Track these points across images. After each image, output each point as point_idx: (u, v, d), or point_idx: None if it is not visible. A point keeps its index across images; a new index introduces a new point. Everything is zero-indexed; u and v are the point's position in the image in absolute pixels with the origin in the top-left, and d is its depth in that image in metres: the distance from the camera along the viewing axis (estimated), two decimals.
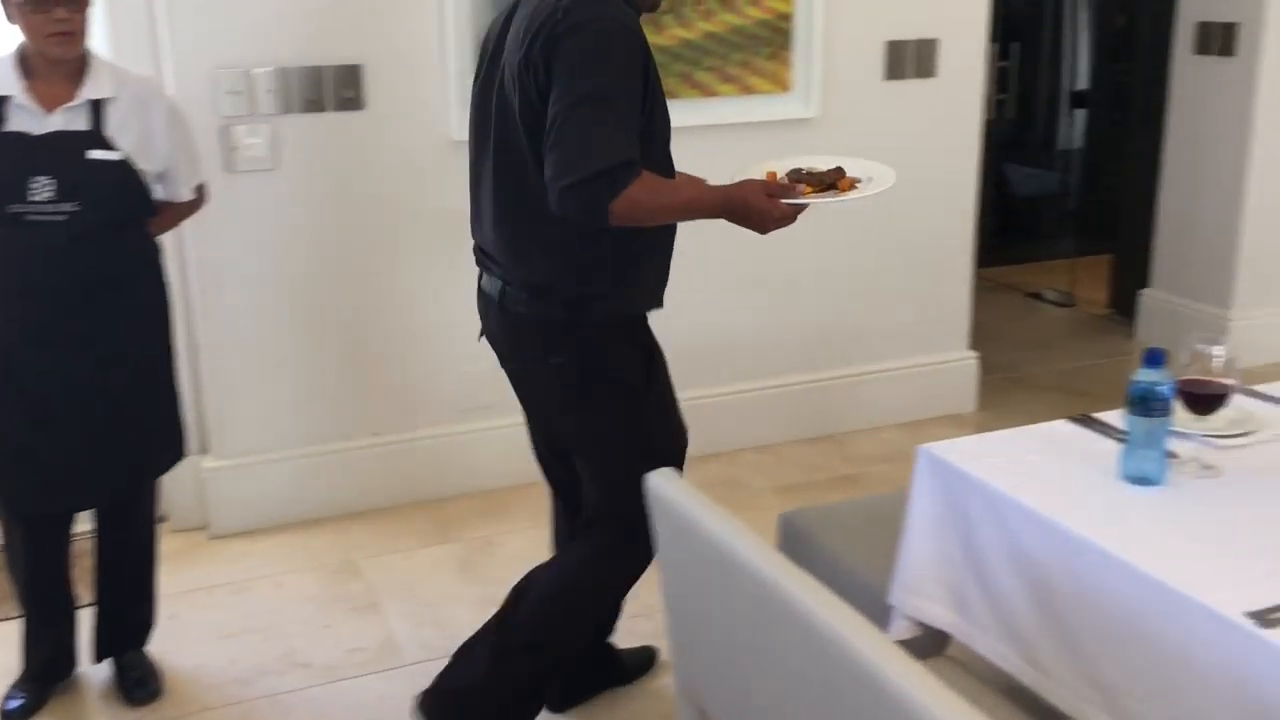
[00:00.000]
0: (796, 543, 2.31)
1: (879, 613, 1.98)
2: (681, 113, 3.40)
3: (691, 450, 3.26)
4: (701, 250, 3.56)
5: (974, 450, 1.89)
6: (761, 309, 3.74)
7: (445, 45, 3.17)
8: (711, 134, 3.51)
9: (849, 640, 1.15)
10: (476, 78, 2.15)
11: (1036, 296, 5.53)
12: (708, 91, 3.46)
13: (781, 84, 3.54)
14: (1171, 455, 1.79)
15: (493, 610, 2.18)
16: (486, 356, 2.14)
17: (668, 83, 3.35)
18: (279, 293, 3.21)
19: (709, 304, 3.65)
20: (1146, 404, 1.71)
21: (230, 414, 3.25)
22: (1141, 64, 4.79)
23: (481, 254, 2.18)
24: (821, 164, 2.11)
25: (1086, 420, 1.97)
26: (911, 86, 3.71)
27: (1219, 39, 4.20)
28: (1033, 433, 1.97)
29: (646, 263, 2.10)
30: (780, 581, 1.27)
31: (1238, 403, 1.98)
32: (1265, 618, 1.37)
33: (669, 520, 1.52)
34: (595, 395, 2.09)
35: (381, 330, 3.34)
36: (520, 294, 2.06)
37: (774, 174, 2.10)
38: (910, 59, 3.68)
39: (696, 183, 2.02)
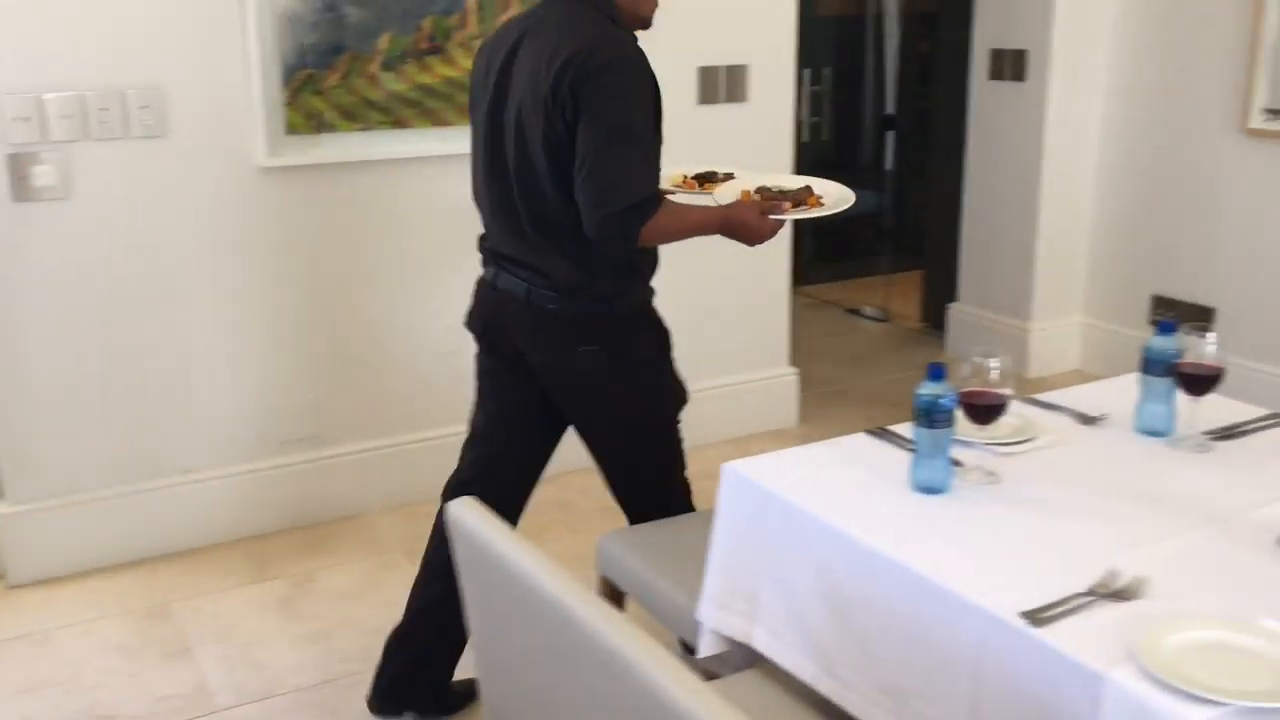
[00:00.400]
0: (615, 565, 2.33)
1: (693, 630, 2.02)
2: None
3: None
4: None
5: (774, 466, 1.94)
6: None
7: (250, 71, 3.09)
8: None
9: (645, 668, 1.16)
10: (473, 103, 2.34)
11: (855, 312, 5.73)
12: None
13: None
14: (957, 464, 1.88)
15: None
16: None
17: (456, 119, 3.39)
18: (73, 327, 3.07)
19: None
20: (930, 416, 1.79)
21: (25, 456, 3.09)
22: (943, 89, 5.03)
23: (498, 256, 2.33)
24: (787, 183, 2.37)
25: (882, 433, 2.05)
26: (724, 111, 3.80)
27: (1011, 65, 4.45)
28: (831, 447, 2.03)
29: (650, 254, 2.32)
30: (578, 610, 1.28)
31: (1019, 410, 2.10)
32: (1036, 617, 1.44)
33: (469, 550, 1.51)
34: (626, 380, 2.30)
35: (185, 363, 3.23)
36: (548, 293, 2.24)
37: (747, 192, 2.34)
38: (722, 84, 3.77)
39: (698, 208, 2.23)
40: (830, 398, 4.48)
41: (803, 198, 2.30)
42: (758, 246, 2.30)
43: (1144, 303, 4.38)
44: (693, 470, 2.49)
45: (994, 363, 1.83)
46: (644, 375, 2.34)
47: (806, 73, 5.56)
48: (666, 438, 2.47)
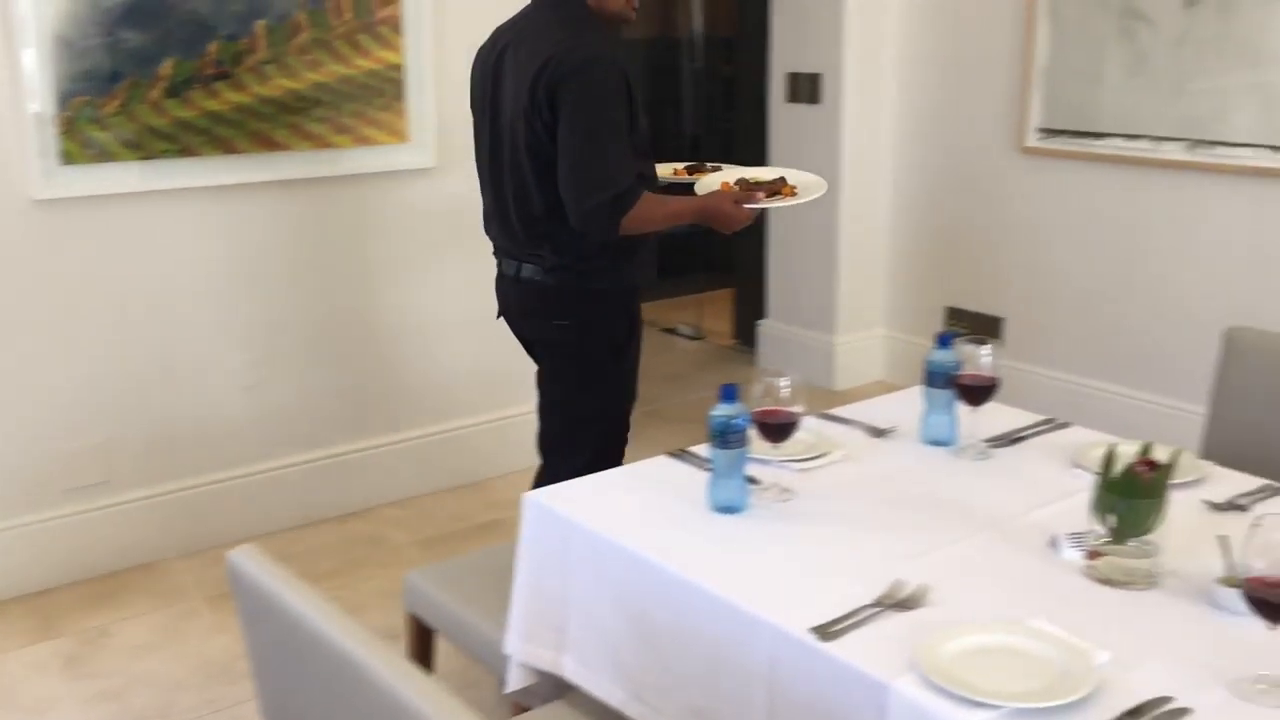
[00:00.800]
0: (423, 602, 2.28)
1: (501, 664, 1.99)
2: (296, 165, 3.35)
3: (329, 510, 3.10)
4: (330, 303, 3.50)
5: (575, 494, 1.94)
6: (391, 359, 3.69)
7: (19, 98, 2.92)
8: (329, 186, 3.44)
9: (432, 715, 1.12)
10: (474, 103, 2.60)
11: (672, 331, 5.80)
12: (322, 143, 3.38)
13: (399, 134, 3.52)
14: (755, 482, 1.91)
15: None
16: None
17: (279, 134, 3.29)
18: None
19: (334, 360, 3.56)
20: (725, 436, 1.81)
21: None
22: (744, 111, 5.15)
23: (498, 248, 2.62)
24: (765, 175, 2.62)
25: (682, 454, 2.07)
26: None
27: (807, 88, 4.59)
28: (633, 472, 2.04)
29: (639, 245, 2.48)
30: (365, 659, 1.23)
31: (813, 426, 2.15)
32: (825, 631, 1.47)
33: (251, 600, 1.45)
34: (590, 357, 2.53)
35: None
36: (536, 269, 2.50)
37: (727, 184, 2.56)
38: None
39: (677, 198, 2.48)
40: (647, 417, 4.51)
41: (778, 188, 2.51)
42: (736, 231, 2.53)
43: (939, 314, 4.58)
44: (509, 496, 2.47)
45: (784, 382, 1.86)
46: (606, 356, 2.53)
47: None
48: (612, 423, 2.63)
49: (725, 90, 5.79)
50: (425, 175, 3.59)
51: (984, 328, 4.38)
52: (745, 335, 5.30)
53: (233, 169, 3.25)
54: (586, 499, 1.92)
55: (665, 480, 1.98)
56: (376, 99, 3.45)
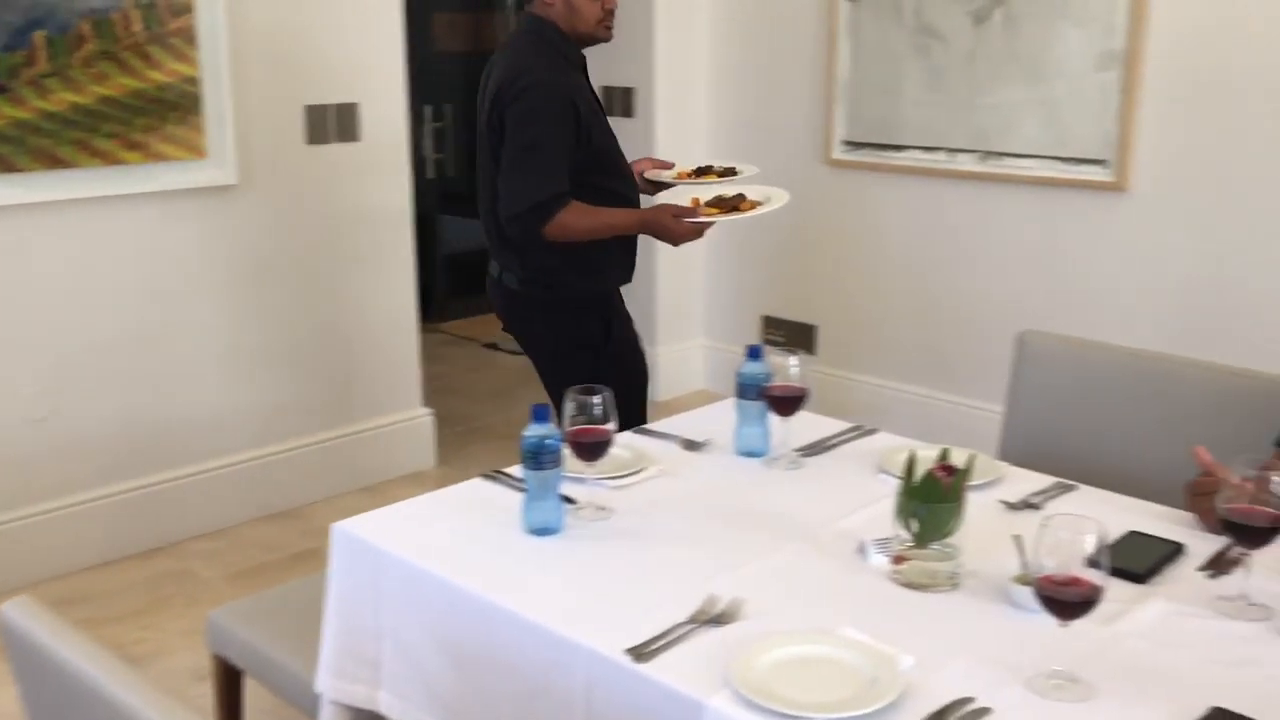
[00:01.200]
0: (228, 641, 2.17)
1: (313, 703, 1.91)
2: (82, 183, 3.16)
3: (134, 545, 2.93)
4: (126, 327, 3.31)
5: (385, 522, 1.88)
6: (198, 385, 3.52)
7: None
8: (120, 205, 3.27)
9: None
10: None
11: (493, 346, 5.73)
12: (111, 160, 3.21)
13: (196, 150, 3.36)
14: (570, 501, 1.89)
15: None
16: None
17: (63, 151, 3.10)
18: None
19: (134, 386, 3.38)
20: (538, 457, 1.79)
21: None
22: None
23: (489, 248, 2.80)
24: (751, 192, 2.75)
25: (496, 476, 2.03)
26: (336, 150, 3.69)
27: (621, 102, 4.62)
28: (445, 496, 1.99)
29: (608, 253, 2.68)
30: (145, 714, 1.15)
31: (628, 442, 2.15)
32: (640, 652, 1.46)
33: (24, 656, 1.34)
34: (566, 357, 2.68)
35: None
36: (513, 277, 2.73)
37: (696, 199, 2.74)
38: (331, 123, 3.66)
39: (617, 210, 2.63)
40: (470, 436, 4.45)
41: (735, 203, 2.65)
42: (683, 246, 2.72)
43: (756, 323, 4.67)
44: (327, 523, 2.37)
45: (597, 400, 1.85)
46: (585, 357, 2.66)
47: (427, 109, 5.52)
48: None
49: None
50: (226, 193, 3.45)
51: (798, 335, 4.49)
52: None
53: (13, 188, 3.05)
54: (397, 526, 1.86)
55: (479, 503, 1.94)
56: (171, 113, 3.29)
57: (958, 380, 4.08)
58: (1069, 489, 1.99)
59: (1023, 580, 1.54)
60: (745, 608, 1.57)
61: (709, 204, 2.73)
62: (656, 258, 4.66)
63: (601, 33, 2.70)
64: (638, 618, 1.54)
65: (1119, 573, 1.62)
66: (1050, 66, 3.69)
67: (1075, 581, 1.36)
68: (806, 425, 2.21)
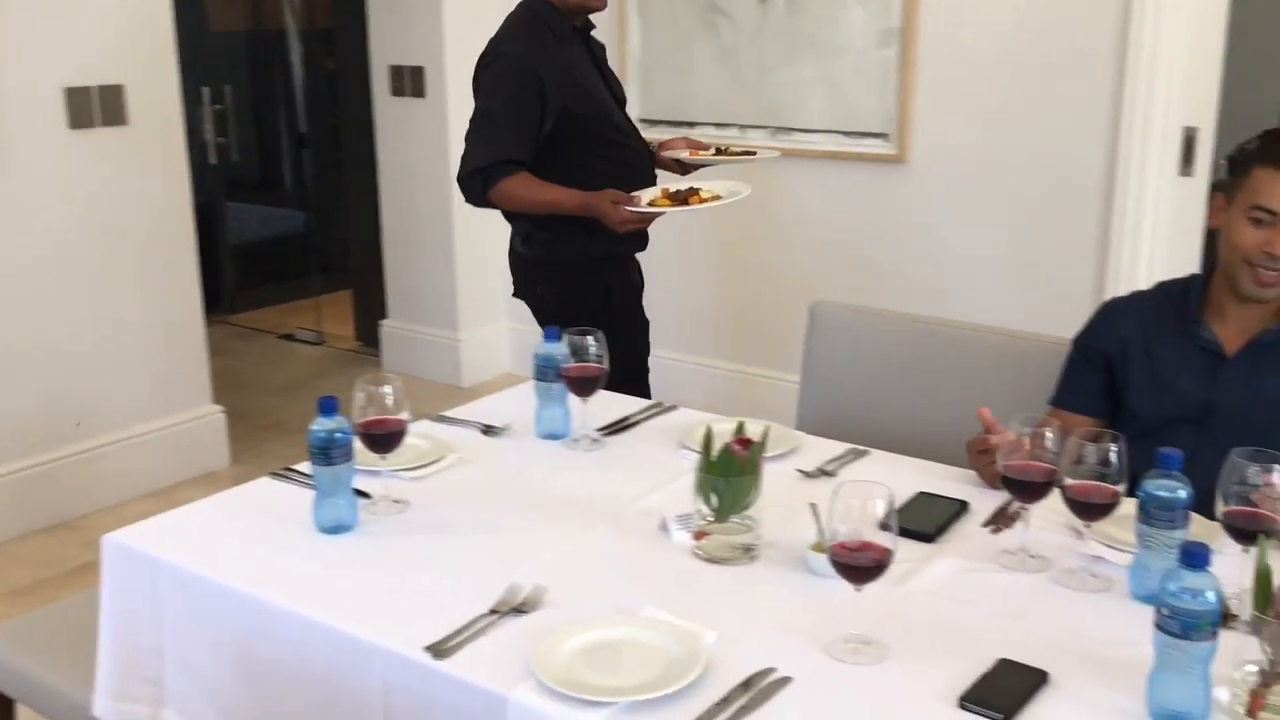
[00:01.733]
0: None
1: None
2: None
3: None
4: None
5: (162, 530, 1.76)
6: None
7: None
8: None
9: None
10: None
11: (290, 338, 5.52)
12: None
13: None
14: (365, 496, 1.81)
15: None
16: None
17: None
18: None
19: None
20: (327, 452, 1.70)
21: None
22: (351, 106, 4.97)
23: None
24: (722, 190, 2.73)
25: (286, 474, 1.93)
26: (102, 135, 3.45)
27: (411, 82, 4.49)
28: (230, 498, 1.88)
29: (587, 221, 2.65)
30: None
31: (425, 431, 2.08)
32: (440, 648, 1.41)
33: None
34: (565, 320, 2.52)
35: None
36: (519, 240, 2.82)
37: (667, 189, 2.73)
38: (95, 106, 3.42)
39: (565, 190, 2.64)
40: (266, 431, 4.27)
41: (685, 196, 2.66)
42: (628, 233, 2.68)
43: None
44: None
45: (388, 389, 1.78)
46: (584, 322, 2.62)
47: (206, 91, 5.25)
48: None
49: (330, 85, 5.57)
50: None
51: None
52: (368, 337, 5.14)
53: None
54: (177, 534, 1.75)
55: (268, 503, 1.84)
56: None
57: (758, 352, 4.15)
58: (862, 454, 2.04)
59: (819, 548, 1.57)
60: (548, 595, 1.53)
61: (662, 196, 2.71)
62: (455, 239, 4.57)
63: (592, 2, 2.74)
64: (437, 613, 1.49)
65: (909, 534, 1.67)
66: (834, 43, 3.78)
67: (867, 546, 1.38)
68: (607, 405, 2.19)
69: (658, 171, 2.94)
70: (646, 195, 2.69)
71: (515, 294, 2.95)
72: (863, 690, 1.35)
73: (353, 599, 1.55)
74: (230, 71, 5.64)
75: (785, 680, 1.35)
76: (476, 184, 2.66)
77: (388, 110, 4.62)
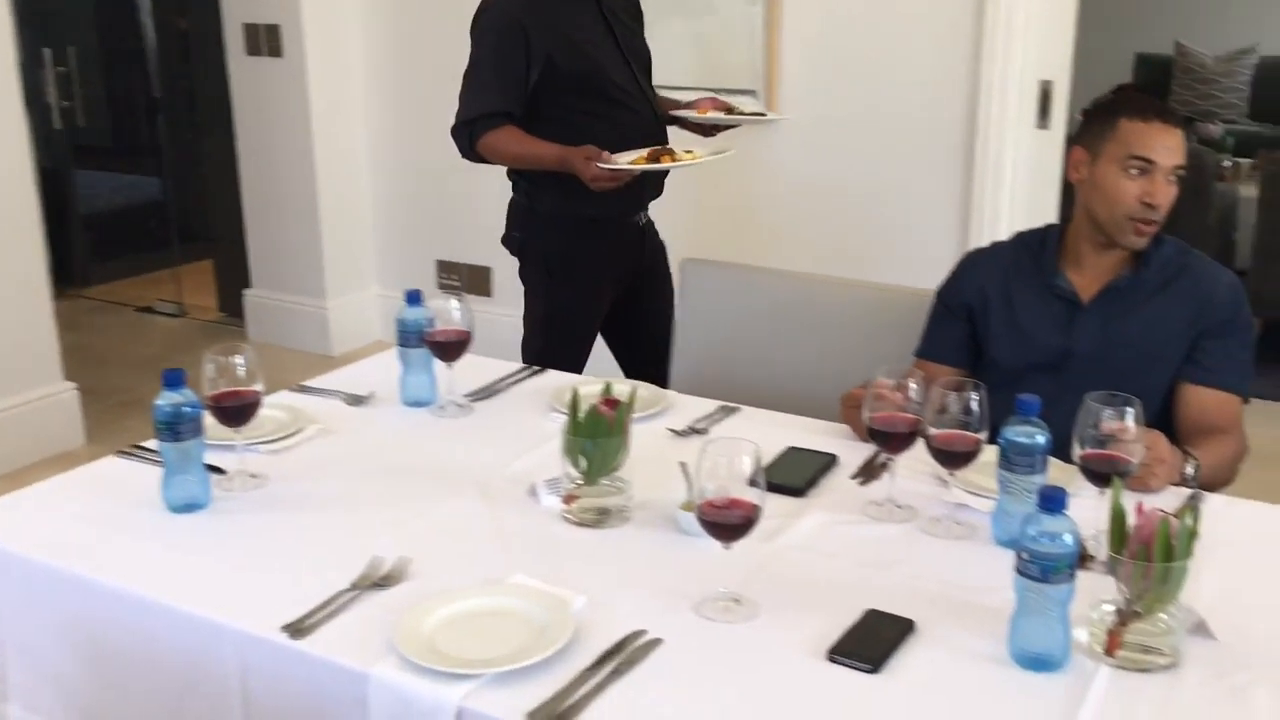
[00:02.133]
0: None
1: None
2: None
3: None
4: None
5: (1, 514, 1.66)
6: None
7: None
8: None
9: None
10: None
11: (149, 310, 5.30)
12: None
13: None
14: (219, 472, 1.74)
15: None
16: None
17: None
18: None
19: None
20: (174, 428, 1.62)
21: None
22: (205, 67, 4.76)
23: None
24: (702, 151, 2.67)
25: (133, 451, 1.84)
26: None
27: (266, 40, 4.32)
28: (73, 479, 1.78)
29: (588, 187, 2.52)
30: None
31: (285, 401, 2.01)
32: (298, 627, 1.36)
33: None
34: (531, 267, 2.77)
35: None
36: (510, 186, 2.79)
37: (656, 149, 2.62)
38: None
39: (548, 144, 2.58)
40: (124, 408, 4.09)
41: (657, 156, 2.57)
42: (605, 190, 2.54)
43: (431, 269, 4.55)
44: None
45: (239, 359, 1.70)
46: (541, 278, 2.72)
47: (47, 53, 4.97)
48: (548, 355, 2.56)
49: (183, 45, 5.32)
50: None
51: (474, 278, 4.41)
52: (231, 307, 4.96)
53: None
54: (14, 517, 1.65)
55: (114, 484, 1.75)
56: None
57: None
58: (733, 411, 2.03)
59: (688, 507, 1.55)
60: (411, 567, 1.49)
61: (642, 155, 2.58)
62: (319, 203, 4.43)
63: None
64: (295, 591, 1.43)
65: (779, 489, 1.67)
66: (702, 1, 3.75)
67: (734, 504, 1.37)
68: (476, 369, 2.14)
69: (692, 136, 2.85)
70: (630, 155, 2.58)
71: (502, 240, 2.87)
72: (733, 648, 1.34)
73: (205, 580, 1.49)
74: (73, 31, 5.35)
75: (656, 642, 1.33)
76: (464, 137, 2.64)
77: (243, 71, 4.44)
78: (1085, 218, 1.97)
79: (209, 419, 1.69)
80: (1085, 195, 1.96)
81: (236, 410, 1.70)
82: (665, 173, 2.71)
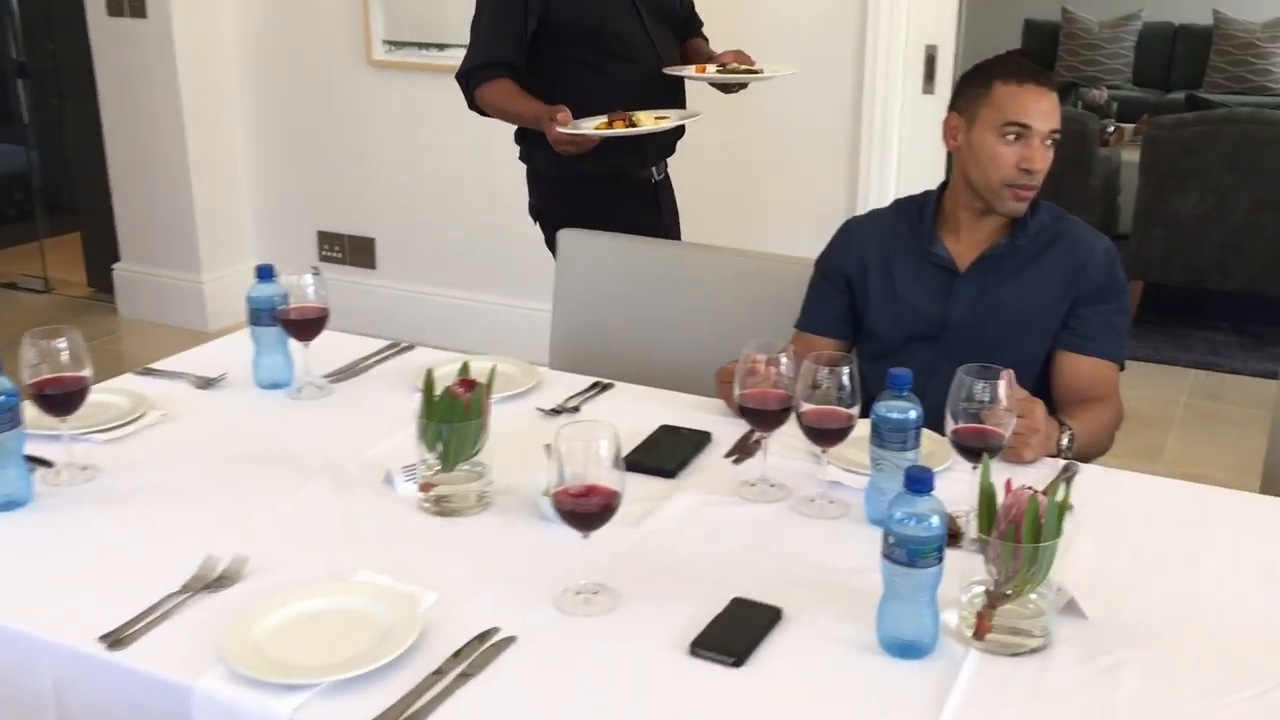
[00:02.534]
0: None
1: None
2: None
3: None
4: None
5: None
6: None
7: None
8: None
9: None
10: None
11: (12, 286, 5.03)
12: None
13: None
14: (45, 464, 1.60)
15: None
16: None
17: None
18: None
19: None
20: None
21: None
22: (69, 29, 4.49)
23: None
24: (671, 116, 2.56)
25: None
26: None
27: (129, 1, 4.09)
28: None
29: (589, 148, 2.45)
30: None
31: (127, 386, 1.88)
32: (118, 637, 1.24)
33: None
34: (544, 227, 2.72)
35: None
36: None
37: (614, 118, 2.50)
38: None
39: (532, 102, 2.51)
40: None
41: (612, 123, 2.46)
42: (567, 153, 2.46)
43: (312, 240, 4.38)
44: None
45: (63, 343, 1.57)
46: (554, 234, 2.55)
47: None
48: None
49: (46, 6, 5.02)
50: None
51: (358, 250, 4.26)
52: (101, 282, 4.72)
53: None
54: None
55: None
56: None
57: (519, 284, 4.01)
58: (606, 388, 1.95)
59: (550, 493, 1.47)
60: (250, 565, 1.38)
61: (607, 120, 2.45)
62: (191, 172, 4.23)
63: None
64: (118, 597, 1.31)
65: (649, 470, 1.60)
66: None
67: (592, 490, 1.29)
68: (336, 348, 2.03)
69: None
70: (599, 119, 2.45)
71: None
72: (591, 644, 1.26)
73: (18, 588, 1.36)
74: None
75: (509, 640, 1.25)
76: (464, 86, 2.60)
77: (105, 32, 4.20)
78: (962, 184, 1.93)
79: (32, 409, 1.56)
80: (962, 162, 1.92)
81: (60, 399, 1.57)
82: (675, 131, 2.65)
